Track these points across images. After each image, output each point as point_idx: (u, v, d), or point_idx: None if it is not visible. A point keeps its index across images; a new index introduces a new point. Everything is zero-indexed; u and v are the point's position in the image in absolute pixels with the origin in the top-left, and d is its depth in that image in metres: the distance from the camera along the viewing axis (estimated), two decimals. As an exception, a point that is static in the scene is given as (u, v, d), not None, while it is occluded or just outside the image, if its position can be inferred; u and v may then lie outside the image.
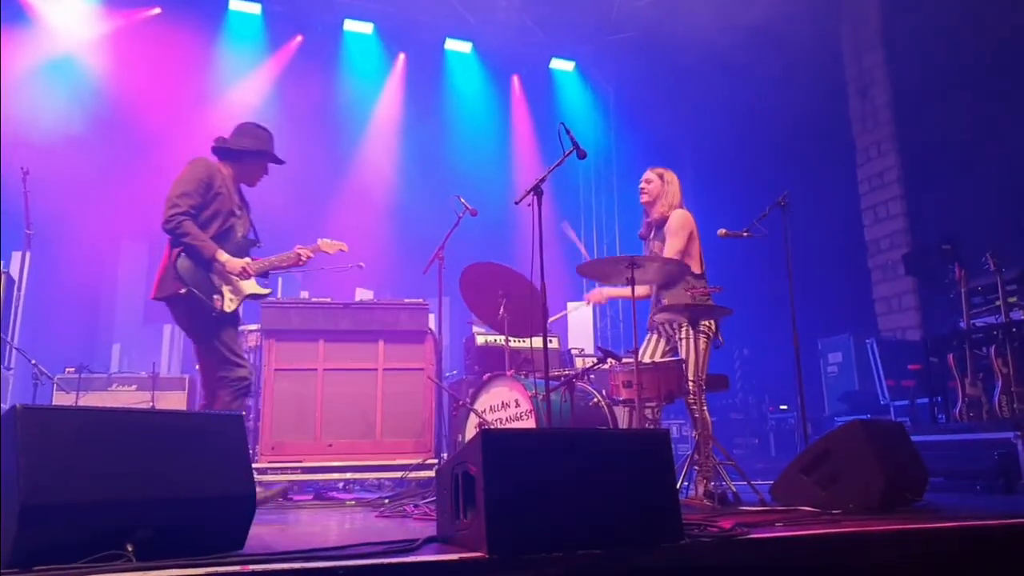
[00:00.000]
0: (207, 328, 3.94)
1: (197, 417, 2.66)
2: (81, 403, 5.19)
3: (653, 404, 3.93)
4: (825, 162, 8.39)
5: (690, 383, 3.91)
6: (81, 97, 7.78)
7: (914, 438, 3.79)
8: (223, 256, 3.96)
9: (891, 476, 3.22)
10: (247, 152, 4.18)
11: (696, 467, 3.76)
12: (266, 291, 4.28)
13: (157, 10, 8.36)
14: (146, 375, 5.59)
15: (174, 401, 5.51)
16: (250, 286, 4.12)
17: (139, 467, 2.06)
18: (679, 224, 4.29)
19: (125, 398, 5.46)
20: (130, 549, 1.94)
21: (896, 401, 6.40)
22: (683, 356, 4.03)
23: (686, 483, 3.76)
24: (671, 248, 4.23)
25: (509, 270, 4.68)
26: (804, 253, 5.09)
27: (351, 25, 9.10)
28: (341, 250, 4.59)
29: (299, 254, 4.34)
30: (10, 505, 1.89)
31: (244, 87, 8.75)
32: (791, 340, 4.39)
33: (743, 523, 2.56)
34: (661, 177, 4.45)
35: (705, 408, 3.94)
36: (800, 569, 2.27)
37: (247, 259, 4.10)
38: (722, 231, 4.40)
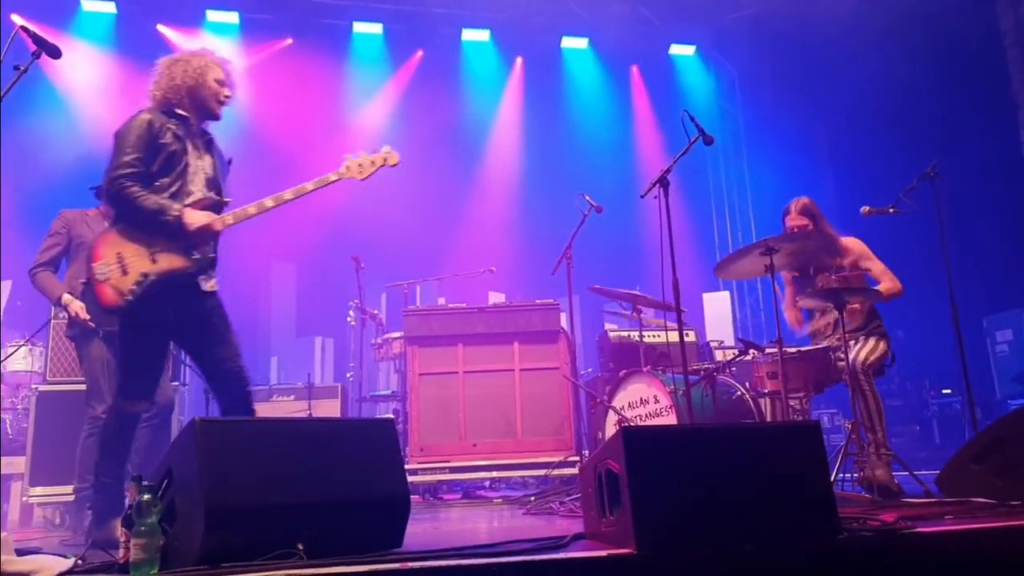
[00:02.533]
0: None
1: (353, 423, 2.82)
2: (247, 413, 5.61)
3: (801, 395, 3.77)
4: (978, 126, 7.69)
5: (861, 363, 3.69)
6: (227, 126, 8.42)
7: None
8: None
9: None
10: None
11: (856, 455, 3.54)
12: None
13: (289, 40, 8.91)
14: (302, 385, 5.97)
15: (329, 408, 5.85)
16: None
17: (304, 471, 2.22)
18: (864, 248, 4.07)
19: (285, 407, 5.85)
20: (300, 548, 2.09)
21: (1081, 380, 5.78)
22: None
23: (841, 475, 3.57)
24: (880, 271, 4.01)
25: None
26: (960, 226, 4.72)
27: (468, 35, 9.30)
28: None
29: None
30: (194, 508, 2.08)
31: (372, 104, 9.17)
32: (951, 319, 4.07)
33: (907, 516, 2.41)
34: (809, 209, 4.20)
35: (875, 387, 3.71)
36: (975, 567, 2.10)
37: None
38: (865, 209, 4.14)
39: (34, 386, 4.59)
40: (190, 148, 3.19)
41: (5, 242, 2.58)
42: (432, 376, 5.24)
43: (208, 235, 3.10)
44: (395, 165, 3.46)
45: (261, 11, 8.68)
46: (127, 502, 2.18)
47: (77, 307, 3.92)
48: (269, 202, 3.17)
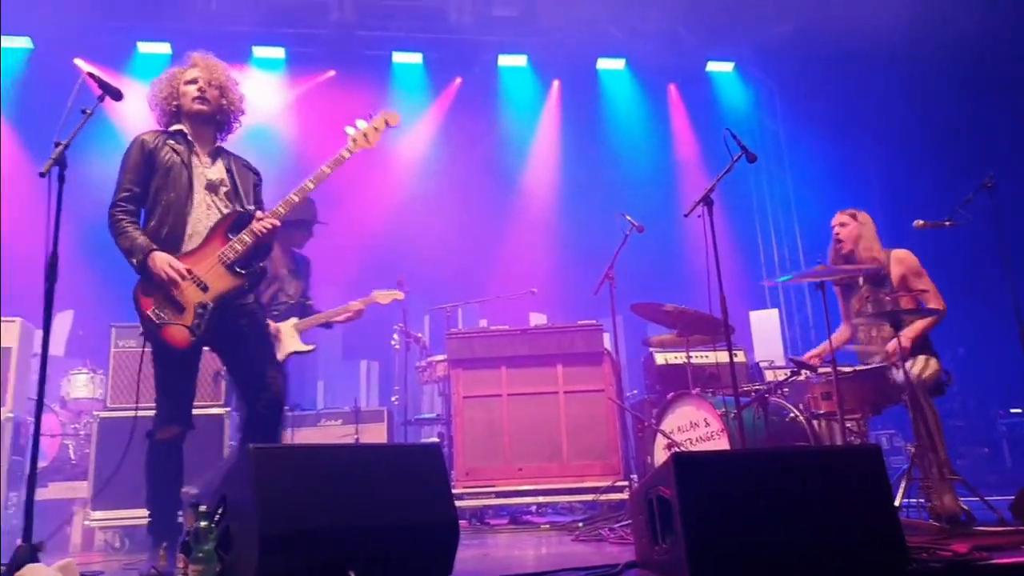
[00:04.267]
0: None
1: (401, 448, 2.83)
2: (296, 439, 5.66)
3: (857, 416, 3.67)
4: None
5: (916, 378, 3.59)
6: (272, 153, 8.60)
7: None
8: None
9: None
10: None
11: (921, 480, 3.42)
12: (308, 347, 4.66)
13: (332, 72, 9.11)
14: (349, 409, 6.01)
15: (375, 432, 5.87)
16: (294, 343, 4.60)
17: (355, 497, 2.23)
18: (916, 263, 3.99)
19: (333, 432, 5.89)
20: (352, 575, 2.10)
21: None
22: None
23: (904, 500, 3.45)
24: (933, 292, 3.93)
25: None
26: (1021, 236, 4.56)
27: (505, 60, 9.40)
28: (396, 299, 5.03)
29: (350, 309, 4.79)
30: (249, 534, 2.11)
31: (412, 131, 9.30)
32: (1017, 335, 3.93)
33: (981, 546, 2.30)
34: (855, 218, 4.15)
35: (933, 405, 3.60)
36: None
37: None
38: (919, 222, 4.03)
39: (96, 412, 4.71)
40: (194, 160, 3.19)
41: (68, 274, 2.66)
42: (476, 399, 5.23)
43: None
44: (396, 124, 3.51)
45: (305, 45, 8.90)
46: (184, 528, 2.21)
47: None
48: (294, 196, 3.16)
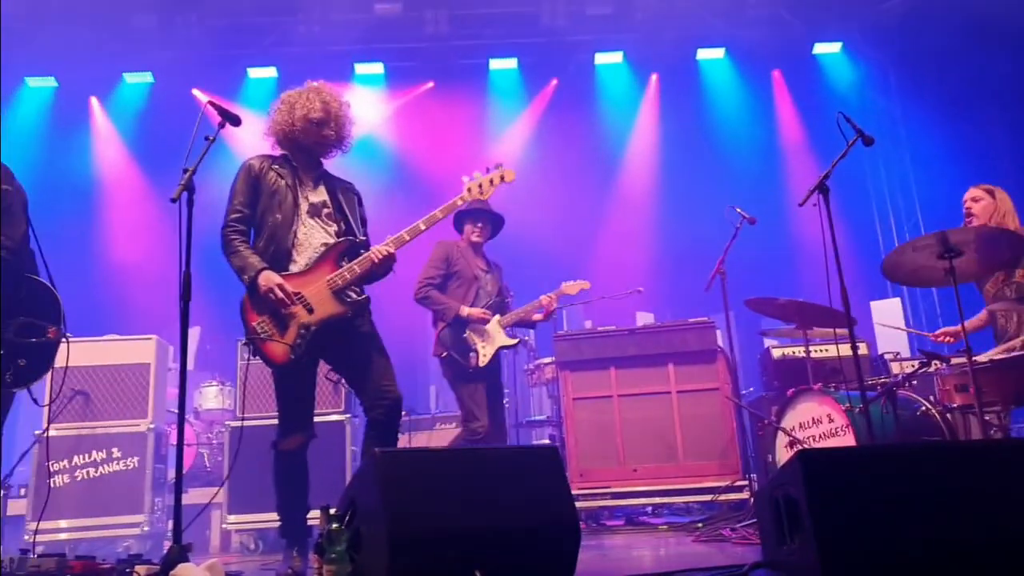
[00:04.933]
0: (460, 383, 4.69)
1: (520, 451, 2.86)
2: (413, 443, 5.83)
3: (997, 408, 3.42)
4: None
5: None
6: (382, 168, 8.90)
7: None
8: (465, 310, 4.68)
9: None
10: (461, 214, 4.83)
11: None
12: (514, 340, 4.85)
13: (431, 84, 9.34)
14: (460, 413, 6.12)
15: (487, 436, 5.95)
16: (500, 339, 4.76)
17: (478, 499, 2.27)
18: None
19: (447, 435, 6.03)
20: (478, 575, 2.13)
21: None
22: None
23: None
24: None
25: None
26: None
27: (601, 58, 9.33)
28: (583, 288, 5.07)
29: (542, 303, 4.94)
30: (378, 537, 2.18)
31: (511, 134, 9.39)
32: None
33: None
34: (992, 194, 3.86)
35: None
36: None
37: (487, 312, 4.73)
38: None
39: (227, 422, 5.02)
40: (298, 185, 3.29)
41: (194, 293, 2.83)
42: (586, 400, 5.22)
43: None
44: (512, 181, 3.50)
45: (403, 60, 9.17)
46: (316, 531, 2.32)
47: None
48: (406, 235, 3.23)
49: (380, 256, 3.17)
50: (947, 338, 3.97)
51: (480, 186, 3.45)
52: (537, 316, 5.00)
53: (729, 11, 8.82)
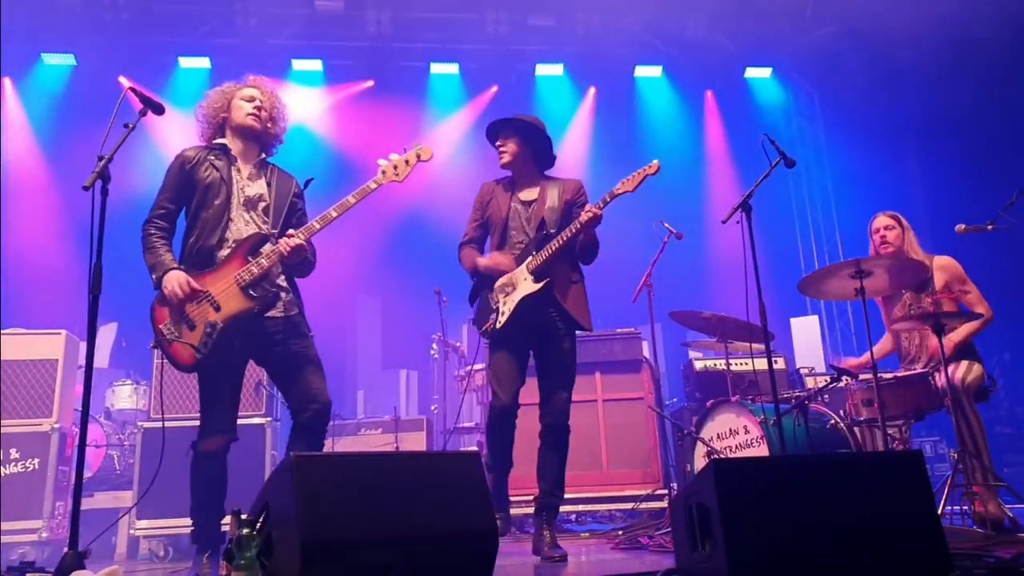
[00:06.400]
0: (488, 358, 3.75)
1: (441, 457, 2.85)
2: (336, 448, 5.73)
3: (899, 422, 3.59)
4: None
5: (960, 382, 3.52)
6: (314, 160, 8.72)
7: None
8: (482, 261, 3.70)
9: None
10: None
11: (964, 487, 3.35)
12: (538, 285, 3.52)
13: (370, 82, 9.25)
14: (389, 418, 6.06)
15: (415, 442, 5.90)
16: (524, 287, 3.54)
17: (395, 506, 2.25)
18: (960, 270, 3.94)
19: (373, 441, 5.94)
20: (392, 582, 2.11)
21: None
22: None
23: (948, 507, 3.37)
24: (977, 298, 3.88)
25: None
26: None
27: (543, 69, 9.42)
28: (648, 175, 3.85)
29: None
30: (290, 542, 2.13)
31: (447, 140, 9.34)
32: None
33: (1027, 554, 2.25)
34: (899, 222, 4.08)
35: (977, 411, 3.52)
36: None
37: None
38: (961, 227, 3.95)
39: (139, 423, 4.83)
40: (234, 175, 3.21)
41: (112, 288, 2.73)
42: (515, 408, 5.21)
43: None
44: (429, 159, 3.38)
45: (343, 58, 9.06)
46: (227, 535, 2.26)
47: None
48: (316, 224, 3.12)
49: (288, 248, 3.06)
50: (856, 368, 4.16)
51: (395, 167, 3.29)
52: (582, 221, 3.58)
53: (668, 31, 9.05)
